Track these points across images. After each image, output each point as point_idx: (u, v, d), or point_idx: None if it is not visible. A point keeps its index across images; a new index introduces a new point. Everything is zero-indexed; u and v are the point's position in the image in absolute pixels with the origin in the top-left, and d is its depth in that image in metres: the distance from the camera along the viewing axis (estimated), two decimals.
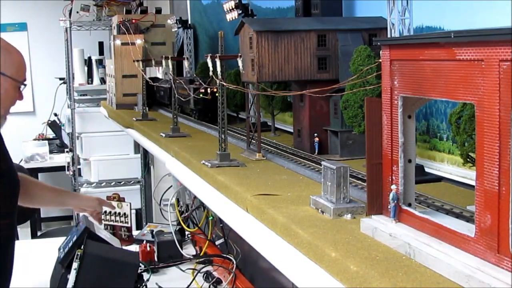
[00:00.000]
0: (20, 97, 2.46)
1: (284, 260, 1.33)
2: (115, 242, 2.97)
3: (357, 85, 1.70)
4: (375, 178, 1.23)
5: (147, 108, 3.49)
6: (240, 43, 2.17)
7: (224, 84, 1.96)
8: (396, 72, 1.16)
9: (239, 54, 2.07)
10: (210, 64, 1.97)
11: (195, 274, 3.20)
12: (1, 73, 2.32)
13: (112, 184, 6.20)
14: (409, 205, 1.19)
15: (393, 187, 1.17)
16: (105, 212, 3.98)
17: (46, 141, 7.00)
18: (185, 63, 3.98)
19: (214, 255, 3.40)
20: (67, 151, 6.04)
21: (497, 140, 0.90)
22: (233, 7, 2.57)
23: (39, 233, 7.03)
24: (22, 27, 8.18)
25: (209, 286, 3.12)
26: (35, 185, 2.86)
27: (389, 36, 1.47)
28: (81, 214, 3.04)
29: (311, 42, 2.03)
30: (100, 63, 6.67)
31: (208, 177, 1.94)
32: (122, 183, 6.29)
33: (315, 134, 2.06)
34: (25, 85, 2.44)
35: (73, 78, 6.12)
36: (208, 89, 2.82)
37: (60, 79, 6.51)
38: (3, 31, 7.75)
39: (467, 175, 1.62)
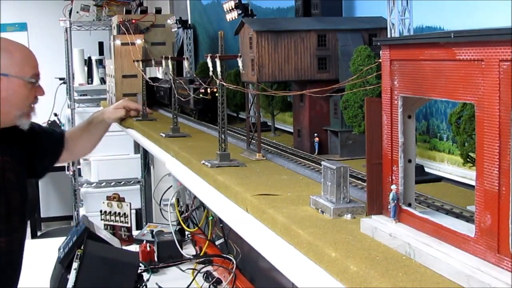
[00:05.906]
0: (39, 92, 2.51)
1: (284, 260, 1.33)
2: (115, 242, 2.97)
3: (357, 85, 1.70)
4: (375, 178, 1.23)
5: (147, 108, 3.49)
6: (240, 43, 2.17)
7: (224, 84, 1.96)
8: (396, 72, 1.16)
9: (239, 54, 2.06)
10: (210, 64, 1.97)
11: (195, 274, 3.20)
12: (2, 74, 2.34)
13: (112, 184, 6.20)
14: (409, 205, 1.19)
15: (393, 187, 1.17)
16: (105, 212, 3.99)
17: None
18: (185, 63, 3.98)
19: (214, 255, 3.41)
20: None
21: (497, 140, 0.90)
22: (233, 7, 2.57)
23: (39, 233, 7.04)
24: (22, 27, 8.18)
25: (209, 286, 3.12)
26: (74, 140, 3.05)
27: (389, 36, 1.46)
28: (81, 214, 3.05)
29: (311, 42, 2.03)
30: (100, 63, 6.67)
31: (208, 177, 1.94)
32: (122, 183, 6.29)
33: (315, 134, 2.06)
34: (34, 81, 2.46)
35: (73, 78, 6.12)
36: (208, 89, 2.82)
37: (60, 79, 6.51)
38: (3, 31, 7.75)
39: (467, 175, 1.62)
